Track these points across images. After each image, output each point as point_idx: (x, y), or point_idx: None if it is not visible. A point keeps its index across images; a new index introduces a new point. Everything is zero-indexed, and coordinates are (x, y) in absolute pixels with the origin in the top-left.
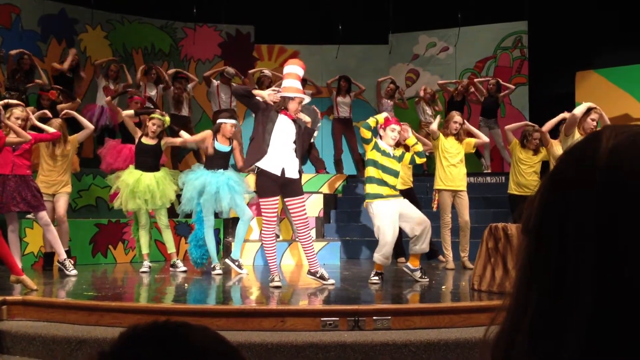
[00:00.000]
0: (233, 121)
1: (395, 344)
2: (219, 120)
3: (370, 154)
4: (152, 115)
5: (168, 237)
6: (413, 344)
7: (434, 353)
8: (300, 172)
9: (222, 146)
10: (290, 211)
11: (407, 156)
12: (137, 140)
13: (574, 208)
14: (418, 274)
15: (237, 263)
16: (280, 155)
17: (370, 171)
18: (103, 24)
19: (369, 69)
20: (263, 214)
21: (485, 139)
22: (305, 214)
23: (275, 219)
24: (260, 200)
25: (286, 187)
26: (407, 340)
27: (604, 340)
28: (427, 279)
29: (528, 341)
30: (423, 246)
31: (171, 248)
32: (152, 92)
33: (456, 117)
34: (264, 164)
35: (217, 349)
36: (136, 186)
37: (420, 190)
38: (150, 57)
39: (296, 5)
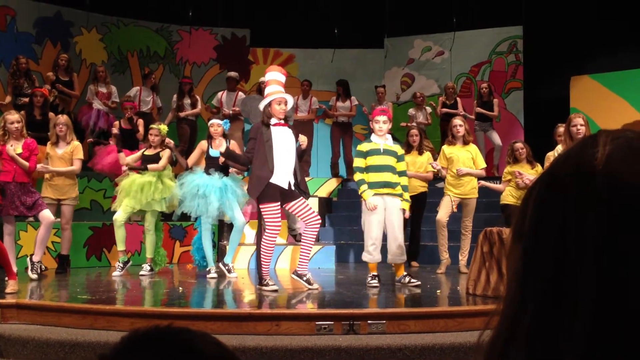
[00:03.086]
0: (215, 120)
1: (390, 348)
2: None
3: (358, 162)
4: (151, 125)
5: (149, 240)
6: (408, 348)
7: (429, 357)
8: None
9: (215, 151)
10: (298, 214)
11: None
12: (141, 154)
13: (572, 212)
14: (406, 279)
15: (227, 267)
16: (286, 169)
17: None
18: (98, 26)
19: (365, 72)
20: (266, 219)
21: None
22: (314, 211)
23: (279, 225)
24: (260, 206)
25: (284, 195)
26: (401, 345)
27: (605, 345)
28: (418, 282)
29: (526, 347)
30: (397, 259)
31: (149, 253)
32: (148, 98)
33: (454, 121)
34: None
35: (217, 355)
36: (131, 186)
37: None
38: (146, 60)
39: (292, 9)
